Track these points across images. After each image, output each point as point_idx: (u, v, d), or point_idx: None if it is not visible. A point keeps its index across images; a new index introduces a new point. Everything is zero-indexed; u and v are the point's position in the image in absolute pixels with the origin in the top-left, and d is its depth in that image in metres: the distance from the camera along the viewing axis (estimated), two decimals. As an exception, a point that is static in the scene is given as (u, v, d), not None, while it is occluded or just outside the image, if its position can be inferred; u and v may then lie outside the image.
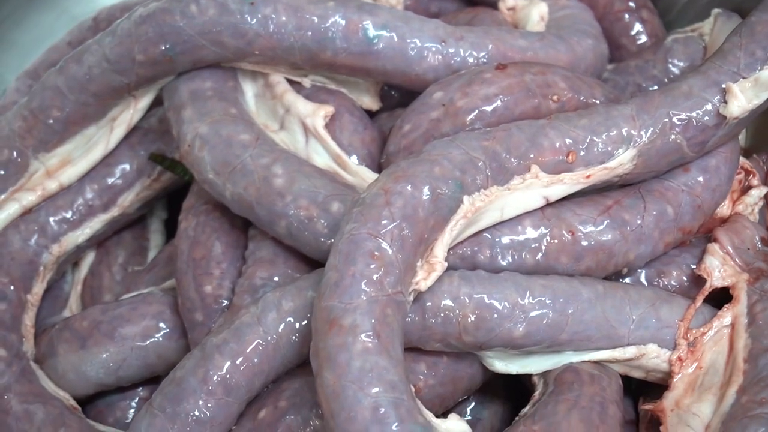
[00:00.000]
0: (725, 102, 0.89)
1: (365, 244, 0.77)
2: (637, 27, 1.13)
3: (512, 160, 0.86)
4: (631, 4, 1.13)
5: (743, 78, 0.90)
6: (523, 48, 0.98)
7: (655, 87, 1.05)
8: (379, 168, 0.96)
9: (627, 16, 1.13)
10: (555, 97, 0.93)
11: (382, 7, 0.96)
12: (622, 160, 0.88)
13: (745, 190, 0.98)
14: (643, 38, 1.13)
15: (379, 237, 0.77)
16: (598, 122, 0.89)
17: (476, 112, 0.91)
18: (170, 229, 1.09)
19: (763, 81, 0.89)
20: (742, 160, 0.99)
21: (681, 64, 1.06)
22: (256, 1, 0.93)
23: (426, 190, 0.80)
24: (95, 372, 0.97)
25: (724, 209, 0.97)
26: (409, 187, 0.80)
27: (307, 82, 0.99)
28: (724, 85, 0.89)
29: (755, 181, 0.99)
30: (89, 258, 1.09)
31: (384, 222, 0.78)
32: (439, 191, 0.81)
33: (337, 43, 0.94)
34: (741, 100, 0.89)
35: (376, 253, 0.77)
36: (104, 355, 0.97)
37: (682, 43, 1.07)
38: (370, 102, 1.01)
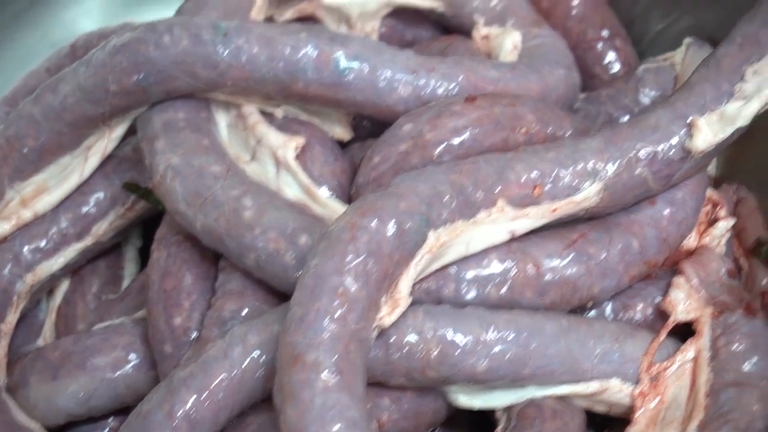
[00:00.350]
0: (691, 136, 0.90)
1: (330, 280, 0.78)
2: (610, 56, 1.13)
3: (479, 194, 0.86)
4: (604, 32, 1.14)
5: (709, 112, 0.90)
6: (494, 79, 0.99)
7: (627, 116, 1.06)
8: (349, 199, 0.96)
9: (600, 44, 1.13)
10: (524, 130, 0.94)
11: (354, 38, 0.97)
12: (589, 194, 0.89)
13: (712, 222, 0.99)
14: (616, 67, 1.13)
15: (343, 273, 0.78)
16: (565, 155, 0.89)
17: (445, 144, 0.92)
18: (145, 257, 1.09)
19: (729, 115, 0.90)
20: (709, 191, 0.99)
21: (652, 93, 1.07)
22: (229, 32, 0.94)
23: (392, 225, 0.81)
24: (66, 402, 0.97)
25: (691, 241, 0.97)
26: (374, 223, 0.81)
27: (279, 112, 1.00)
28: (689, 119, 0.90)
29: (722, 213, 0.99)
30: (64, 286, 1.08)
31: (349, 258, 0.79)
32: (405, 226, 0.81)
33: (309, 75, 0.95)
34: (706, 134, 0.90)
35: (340, 289, 0.78)
36: (75, 386, 0.97)
37: (653, 73, 1.08)
38: (342, 132, 1.01)
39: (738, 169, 1.06)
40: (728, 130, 0.91)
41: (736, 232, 1.01)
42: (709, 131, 0.90)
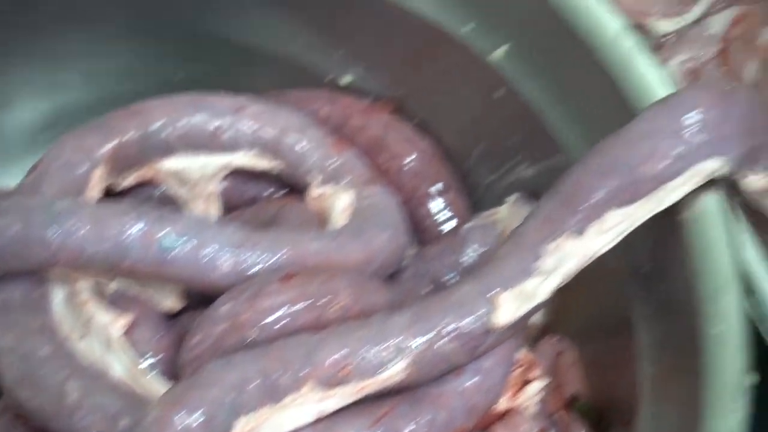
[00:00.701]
0: (494, 311, 0.94)
1: (136, 476, 0.83)
2: (442, 210, 1.18)
3: (287, 377, 0.91)
4: (437, 186, 1.18)
5: (512, 287, 0.95)
6: (316, 251, 1.03)
7: (453, 274, 1.11)
8: (176, 375, 1.00)
9: (433, 198, 1.18)
10: (338, 306, 0.98)
11: (181, 217, 1.02)
12: (395, 371, 0.93)
13: (526, 382, 1.04)
14: (448, 221, 1.18)
15: (149, 469, 0.83)
16: (373, 333, 0.94)
17: (259, 325, 0.96)
18: None
19: (529, 291, 0.95)
20: (522, 352, 1.04)
21: (479, 250, 1.11)
22: (60, 214, 0.98)
23: (199, 415, 0.85)
24: None
25: (503, 404, 1.02)
26: (181, 415, 0.85)
27: (112, 286, 1.04)
28: (492, 294, 0.95)
29: (536, 373, 1.04)
30: None
31: (155, 453, 0.83)
32: (213, 416, 0.86)
33: (135, 254, 0.99)
34: (508, 310, 0.94)
35: (144, 485, 0.82)
36: None
37: (479, 230, 1.12)
38: (173, 302, 1.05)
39: (562, 319, 1.11)
40: (529, 305, 0.95)
41: (555, 385, 1.06)
42: (511, 306, 0.95)
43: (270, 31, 1.23)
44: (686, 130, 0.91)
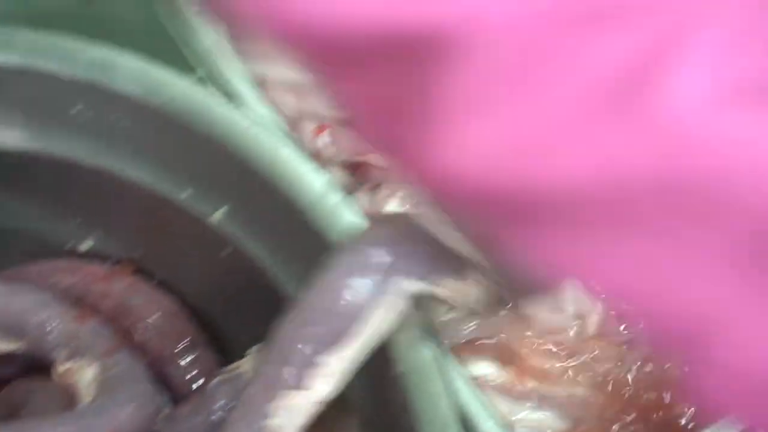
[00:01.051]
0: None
1: None
2: (191, 367, 1.21)
3: None
4: (183, 344, 1.21)
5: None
6: (57, 438, 1.05)
7: (202, 433, 1.13)
8: None
9: (180, 356, 1.20)
10: (82, 493, 1.00)
11: None
12: None
13: None
14: (197, 377, 1.20)
15: None
16: None
17: None
18: None
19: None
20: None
21: (226, 406, 1.13)
22: None
23: None
24: None
25: None
26: None
27: None
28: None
29: None
30: None
31: None
32: None
33: None
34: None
35: None
36: None
37: (225, 385, 1.14)
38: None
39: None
40: (264, 463, 0.99)
41: None
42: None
43: (-2, 207, 1.24)
44: (373, 267, 0.95)
